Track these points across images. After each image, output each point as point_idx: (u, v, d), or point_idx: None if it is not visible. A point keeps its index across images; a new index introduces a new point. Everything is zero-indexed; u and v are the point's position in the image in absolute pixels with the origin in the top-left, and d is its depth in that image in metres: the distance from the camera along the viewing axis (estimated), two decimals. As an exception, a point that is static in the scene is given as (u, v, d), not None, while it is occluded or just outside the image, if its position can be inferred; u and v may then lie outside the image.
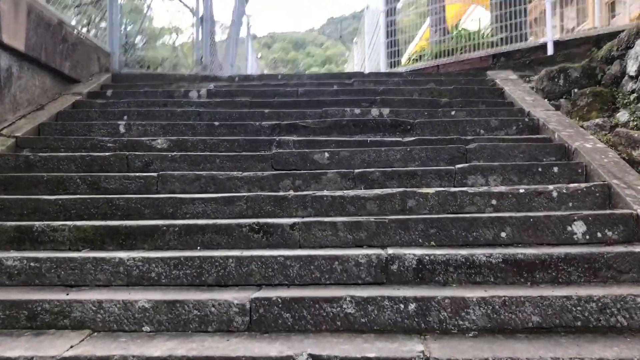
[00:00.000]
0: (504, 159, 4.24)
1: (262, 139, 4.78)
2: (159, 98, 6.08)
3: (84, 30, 7.54)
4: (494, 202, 3.57)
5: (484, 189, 3.64)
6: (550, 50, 6.70)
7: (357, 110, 5.40)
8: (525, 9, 7.28)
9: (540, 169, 3.94)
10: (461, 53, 7.48)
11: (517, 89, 5.91)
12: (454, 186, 3.90)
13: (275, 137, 4.78)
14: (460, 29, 7.96)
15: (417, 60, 8.10)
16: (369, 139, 4.76)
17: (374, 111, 5.39)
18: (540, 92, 5.69)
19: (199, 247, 3.32)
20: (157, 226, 3.37)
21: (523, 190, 3.58)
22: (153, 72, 8.24)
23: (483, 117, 5.21)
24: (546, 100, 5.52)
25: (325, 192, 3.70)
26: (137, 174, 4.11)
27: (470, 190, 3.61)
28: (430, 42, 8.04)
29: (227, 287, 2.99)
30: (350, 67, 14.60)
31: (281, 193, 3.77)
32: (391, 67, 8.37)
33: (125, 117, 5.43)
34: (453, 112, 5.33)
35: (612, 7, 11.96)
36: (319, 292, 2.82)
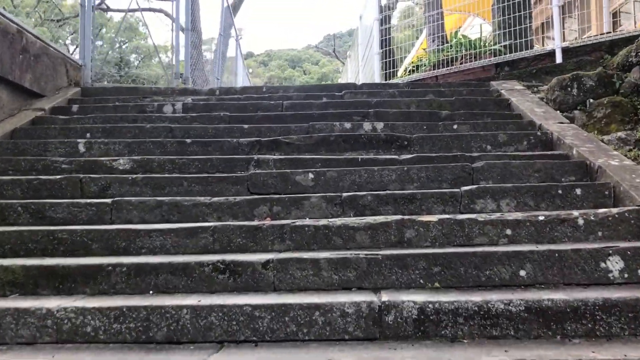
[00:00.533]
0: (516, 179, 3.69)
1: (239, 157, 4.21)
2: (129, 113, 5.53)
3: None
4: (508, 231, 3.00)
5: (495, 215, 3.07)
6: (558, 58, 6.19)
7: (347, 125, 4.86)
8: (529, 15, 6.78)
9: (560, 191, 3.37)
10: (462, 62, 6.96)
11: (525, 100, 5.38)
12: (460, 212, 3.34)
13: (253, 156, 4.23)
14: (460, 36, 7.45)
15: (414, 70, 7.59)
16: (360, 156, 4.20)
17: (367, 125, 4.85)
18: (551, 103, 5.16)
19: (151, 292, 2.74)
20: (102, 266, 2.79)
21: (543, 218, 3.01)
22: (128, 85, 7.69)
23: (489, 131, 4.67)
24: (558, 111, 4.98)
25: (307, 221, 3.13)
26: (90, 201, 3.54)
27: (480, 217, 3.04)
28: (427, 52, 7.54)
29: (180, 344, 2.41)
30: (344, 81, 14.12)
31: (255, 222, 3.19)
32: (386, 78, 7.85)
33: (88, 135, 4.87)
34: (455, 126, 4.79)
35: (613, 16, 11.55)
36: (294, 352, 2.24)
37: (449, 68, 7.04)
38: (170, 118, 5.28)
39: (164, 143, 4.54)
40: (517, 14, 6.68)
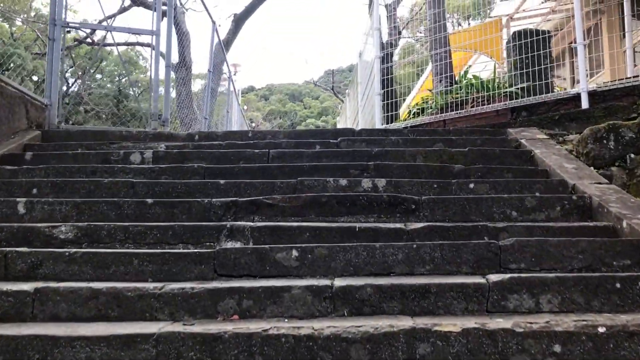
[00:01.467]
0: (556, 263, 2.93)
1: (208, 225, 3.46)
2: (89, 163, 4.80)
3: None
4: (557, 348, 2.24)
5: (538, 324, 2.31)
6: (585, 103, 5.52)
7: (343, 181, 4.12)
8: (549, 54, 6.14)
9: (618, 285, 2.61)
10: (473, 106, 6.29)
11: (551, 153, 4.66)
12: (488, 311, 2.56)
13: (226, 223, 3.47)
14: (470, 77, 6.81)
15: (418, 113, 6.91)
16: (358, 225, 3.44)
17: (366, 182, 4.11)
18: (583, 157, 4.44)
19: None
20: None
21: (604, 330, 2.24)
22: (96, 128, 6.97)
23: (513, 192, 3.94)
24: (592, 168, 4.27)
25: (285, 328, 2.36)
26: (7, 288, 2.76)
27: (519, 327, 2.28)
28: (434, 93, 6.88)
29: None
30: (343, 120, 13.51)
31: (214, 329, 2.41)
32: (388, 121, 7.17)
33: (35, 191, 4.13)
34: (472, 185, 4.05)
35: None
36: None
37: (458, 112, 6.36)
38: (136, 170, 4.54)
39: (121, 204, 3.79)
40: (534, 53, 6.03)
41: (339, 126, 15.25)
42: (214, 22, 9.46)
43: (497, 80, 6.50)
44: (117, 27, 6.77)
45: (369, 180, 4.12)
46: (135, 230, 3.41)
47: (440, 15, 7.19)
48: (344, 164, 4.53)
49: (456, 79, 7.15)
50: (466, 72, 7.15)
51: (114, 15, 13.63)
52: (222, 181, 4.16)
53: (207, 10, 9.13)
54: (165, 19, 9.36)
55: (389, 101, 7.20)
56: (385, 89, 7.19)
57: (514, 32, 6.30)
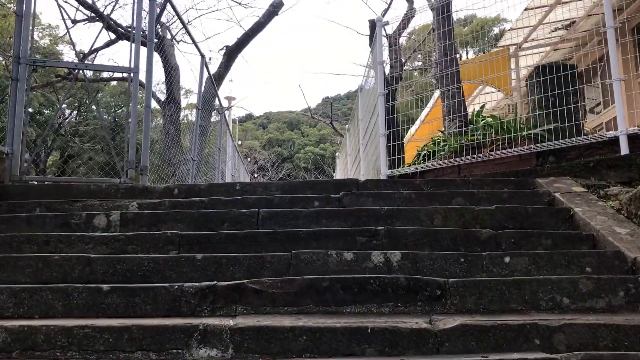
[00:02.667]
0: (644, 390, 2.17)
1: (176, 325, 2.70)
2: (44, 230, 4.08)
3: None
4: None
5: None
6: (624, 149, 4.83)
7: (348, 255, 3.39)
8: (578, 91, 5.47)
9: None
10: (492, 150, 5.60)
11: (595, 212, 3.94)
12: None
13: (199, 321, 2.72)
14: (486, 116, 6.14)
15: (428, 157, 6.21)
16: (369, 323, 2.69)
17: (377, 256, 3.38)
18: (637, 219, 3.72)
19: None
20: None
21: None
22: (64, 180, 6.23)
23: (558, 267, 3.23)
24: (651, 233, 3.53)
25: None
26: None
27: None
28: (446, 135, 6.19)
29: None
30: (343, 156, 12.84)
31: None
32: (394, 165, 6.47)
33: (-32, 270, 3.38)
34: (507, 259, 3.32)
35: None
36: None
37: (475, 156, 5.66)
38: (98, 239, 3.80)
39: (70, 292, 3.04)
40: (562, 90, 5.37)
41: (338, 162, 14.57)
42: (202, 56, 8.86)
43: (518, 121, 5.82)
44: (90, 64, 6.12)
45: (381, 253, 3.38)
46: (82, 333, 2.65)
47: (450, 49, 6.57)
48: (349, 229, 3.80)
49: (470, 118, 6.48)
50: (480, 111, 6.48)
51: (100, 48, 13.10)
52: (199, 256, 3.42)
53: (195, 43, 8.55)
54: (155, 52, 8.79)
55: (395, 143, 6.51)
56: (391, 130, 6.51)
57: (537, 67, 5.66)
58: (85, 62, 7.60)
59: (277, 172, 42.61)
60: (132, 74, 6.08)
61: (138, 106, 6.24)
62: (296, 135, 77.61)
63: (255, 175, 36.74)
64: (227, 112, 13.43)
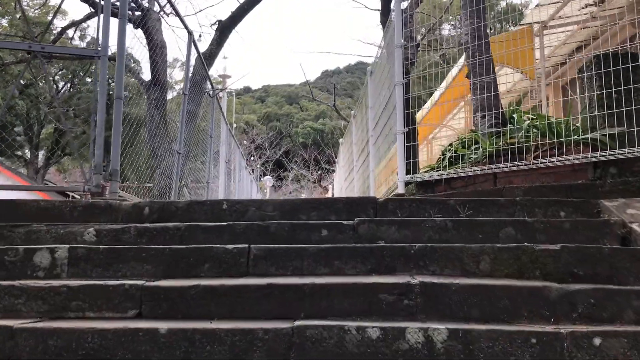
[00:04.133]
0: None
1: None
2: (-35, 271, 3.10)
3: None
4: None
5: None
6: None
7: (373, 332, 2.44)
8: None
9: None
10: (537, 156, 4.62)
11: (698, 258, 2.98)
12: None
13: None
14: (530, 115, 5.14)
15: (456, 162, 5.22)
16: None
17: (414, 334, 2.43)
18: None
19: None
20: None
21: None
22: (7, 193, 5.23)
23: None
24: None
25: None
26: None
27: None
28: (480, 137, 5.18)
29: None
30: (347, 144, 11.81)
31: None
32: (413, 169, 5.50)
33: None
34: (598, 341, 2.38)
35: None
36: None
37: (515, 164, 4.68)
38: (32, 291, 2.84)
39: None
40: (630, 86, 4.35)
41: (341, 150, 13.56)
42: (190, 33, 7.78)
43: (570, 122, 4.81)
44: (47, 46, 5.07)
45: (419, 330, 2.43)
46: None
47: (482, 31, 5.53)
48: (370, 283, 2.83)
49: (506, 116, 5.45)
50: (517, 108, 5.45)
51: (79, 22, 11.94)
52: (163, 328, 2.46)
53: (180, 17, 7.45)
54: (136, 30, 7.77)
55: (412, 143, 5.53)
56: (409, 128, 5.51)
57: (596, 56, 4.63)
58: (47, 42, 6.53)
59: (274, 151, 41.53)
60: (98, 58, 5.04)
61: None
62: (295, 110, 76.28)
63: (253, 158, 35.65)
64: (220, 94, 12.35)
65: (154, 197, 8.32)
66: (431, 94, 10.74)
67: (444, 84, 11.71)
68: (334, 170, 22.26)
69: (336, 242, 3.48)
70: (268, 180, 40.92)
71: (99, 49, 5.05)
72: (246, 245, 3.23)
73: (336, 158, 18.83)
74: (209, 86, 9.92)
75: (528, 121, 4.84)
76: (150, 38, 9.21)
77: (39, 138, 32.31)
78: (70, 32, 14.59)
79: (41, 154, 32.79)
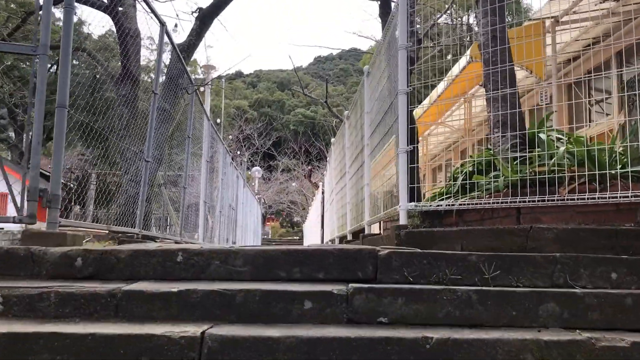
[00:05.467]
0: None
1: None
2: None
3: None
4: None
5: None
6: None
7: None
8: None
9: None
10: (573, 189, 3.77)
11: None
12: None
13: None
14: (557, 134, 4.28)
15: (470, 191, 4.35)
16: None
17: None
18: None
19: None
20: None
21: None
22: None
23: None
24: None
25: None
26: None
27: None
28: (501, 161, 4.30)
29: None
30: (338, 147, 10.91)
31: None
32: (417, 196, 4.65)
33: None
34: None
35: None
36: None
37: (545, 198, 3.82)
38: None
39: None
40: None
41: (332, 150, 12.66)
42: (162, 24, 6.82)
43: (617, 149, 3.95)
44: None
45: None
46: None
47: (501, 33, 4.64)
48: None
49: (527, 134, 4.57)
50: (542, 122, 4.58)
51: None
52: None
53: (148, 4, 6.47)
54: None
55: (415, 165, 4.67)
56: (412, 146, 4.64)
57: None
58: None
59: (264, 142, 40.51)
60: (36, 56, 4.11)
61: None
62: (286, 96, 75.12)
63: (239, 152, 34.58)
64: (202, 88, 11.39)
65: (120, 207, 7.41)
66: (433, 86, 9.90)
67: (442, 84, 10.85)
68: (325, 167, 21.37)
69: (323, 319, 2.62)
70: (257, 172, 39.95)
71: (38, 45, 4.12)
72: (198, 334, 2.35)
73: (327, 154, 17.93)
74: (189, 81, 8.96)
75: (563, 146, 3.98)
76: (121, 26, 8.23)
77: (24, 119, 31.22)
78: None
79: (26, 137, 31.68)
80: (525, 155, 4.15)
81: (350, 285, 2.77)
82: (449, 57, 9.39)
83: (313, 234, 23.61)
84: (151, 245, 3.24)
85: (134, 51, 8.58)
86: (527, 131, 4.45)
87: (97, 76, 7.73)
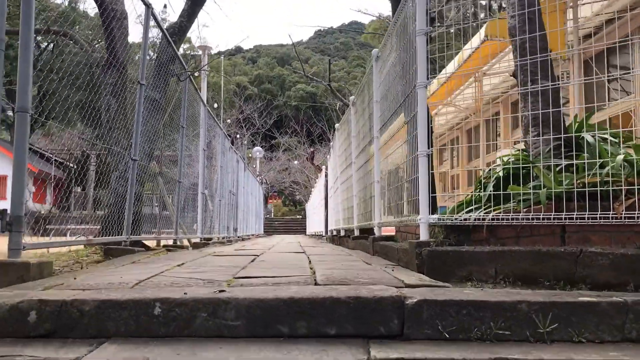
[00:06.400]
0: None
1: None
2: None
3: None
4: None
5: None
6: None
7: None
8: None
9: None
10: (631, 206, 3.16)
11: None
12: None
13: None
14: (603, 134, 3.65)
15: (503, 202, 3.73)
16: None
17: None
18: None
19: None
20: None
21: None
22: None
23: None
24: None
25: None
26: None
27: None
28: (542, 170, 3.66)
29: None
30: (344, 134, 10.27)
31: None
32: (435, 209, 4.05)
33: None
34: None
35: None
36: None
37: (597, 214, 3.21)
38: None
39: None
40: None
41: (337, 136, 12.00)
42: (147, 5, 6.15)
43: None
44: None
45: None
46: None
47: (537, 17, 3.97)
48: None
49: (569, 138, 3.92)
50: (582, 122, 3.93)
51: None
52: None
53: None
54: None
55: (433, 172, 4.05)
56: (432, 149, 4.01)
57: None
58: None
59: (265, 121, 39.74)
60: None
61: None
62: (287, 72, 73.97)
63: (238, 136, 33.84)
64: (197, 72, 10.69)
65: (109, 207, 6.82)
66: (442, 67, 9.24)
67: (451, 64, 10.17)
68: (328, 150, 20.73)
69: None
70: (258, 152, 39.28)
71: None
72: None
73: (331, 137, 17.28)
74: (181, 67, 8.29)
75: (609, 147, 3.34)
76: (105, 7, 7.53)
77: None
78: None
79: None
80: (572, 162, 3.52)
81: (371, 345, 2.18)
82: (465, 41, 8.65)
83: (316, 216, 23.56)
84: (122, 295, 2.64)
85: (120, 35, 7.88)
86: (572, 134, 3.80)
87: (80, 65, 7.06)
